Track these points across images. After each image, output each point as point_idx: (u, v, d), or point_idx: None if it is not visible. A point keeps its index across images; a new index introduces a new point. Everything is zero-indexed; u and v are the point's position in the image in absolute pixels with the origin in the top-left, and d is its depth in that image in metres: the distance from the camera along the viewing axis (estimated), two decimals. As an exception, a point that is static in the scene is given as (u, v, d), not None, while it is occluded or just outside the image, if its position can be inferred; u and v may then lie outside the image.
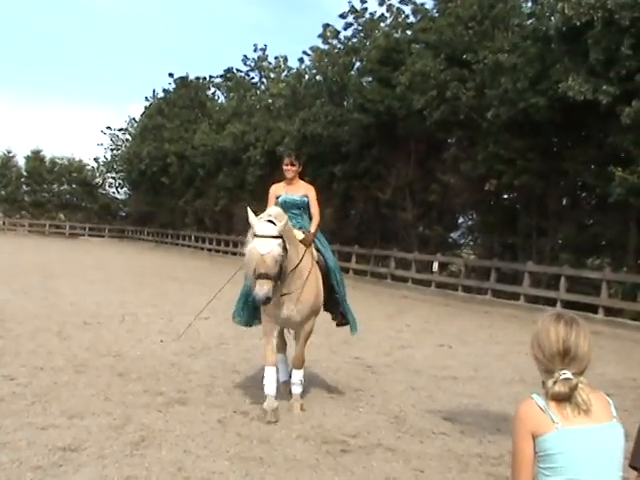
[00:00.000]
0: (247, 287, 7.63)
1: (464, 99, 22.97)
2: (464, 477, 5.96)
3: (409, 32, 28.66)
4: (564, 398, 2.74)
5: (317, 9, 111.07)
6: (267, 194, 8.32)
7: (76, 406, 7.27)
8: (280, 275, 7.05)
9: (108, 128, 64.09)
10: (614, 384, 9.78)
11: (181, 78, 54.86)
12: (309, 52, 34.02)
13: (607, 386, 8.63)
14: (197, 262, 38.16)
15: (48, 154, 65.70)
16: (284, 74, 43.73)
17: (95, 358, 9.88)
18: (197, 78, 54.98)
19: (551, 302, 19.39)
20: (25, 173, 65.09)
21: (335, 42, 31.87)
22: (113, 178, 66.40)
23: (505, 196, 26.12)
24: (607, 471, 2.75)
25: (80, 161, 66.21)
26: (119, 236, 62.57)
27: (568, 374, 2.75)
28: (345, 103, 30.96)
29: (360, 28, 31.08)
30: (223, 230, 46.02)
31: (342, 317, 8.43)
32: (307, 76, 35.24)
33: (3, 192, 64.18)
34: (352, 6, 30.92)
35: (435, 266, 25.43)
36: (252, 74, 48.70)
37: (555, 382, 2.75)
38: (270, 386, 7.45)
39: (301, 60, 36.43)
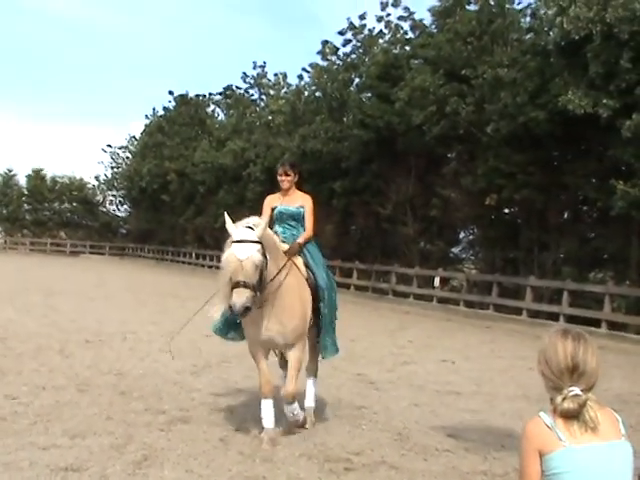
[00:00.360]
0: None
1: (463, 114, 23.03)
2: (470, 495, 5.90)
3: (408, 48, 28.83)
4: (573, 415, 2.70)
5: (316, 26, 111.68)
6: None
7: (78, 425, 7.22)
8: (260, 285, 6.47)
9: (109, 146, 64.61)
10: (619, 399, 9.68)
11: (181, 96, 55.15)
12: (308, 69, 34.30)
13: (612, 401, 8.53)
14: (198, 279, 38.00)
15: (49, 173, 66.29)
16: (283, 91, 43.94)
17: (97, 376, 9.84)
18: (197, 96, 55.29)
19: (554, 317, 19.34)
20: (26, 192, 65.42)
21: (334, 58, 32.11)
22: (114, 196, 66.83)
23: (506, 210, 26.13)
24: (616, 490, 2.70)
25: (81, 179, 66.76)
26: (120, 254, 62.65)
27: (577, 390, 2.72)
28: (345, 119, 31.03)
29: (359, 44, 31.31)
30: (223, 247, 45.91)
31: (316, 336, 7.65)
32: (306, 92, 35.40)
33: (4, 211, 64.49)
34: (351, 23, 31.18)
35: (437, 281, 25.38)
36: (252, 91, 48.88)
37: (564, 399, 2.72)
38: (268, 420, 7.01)
39: (300, 77, 36.71)
